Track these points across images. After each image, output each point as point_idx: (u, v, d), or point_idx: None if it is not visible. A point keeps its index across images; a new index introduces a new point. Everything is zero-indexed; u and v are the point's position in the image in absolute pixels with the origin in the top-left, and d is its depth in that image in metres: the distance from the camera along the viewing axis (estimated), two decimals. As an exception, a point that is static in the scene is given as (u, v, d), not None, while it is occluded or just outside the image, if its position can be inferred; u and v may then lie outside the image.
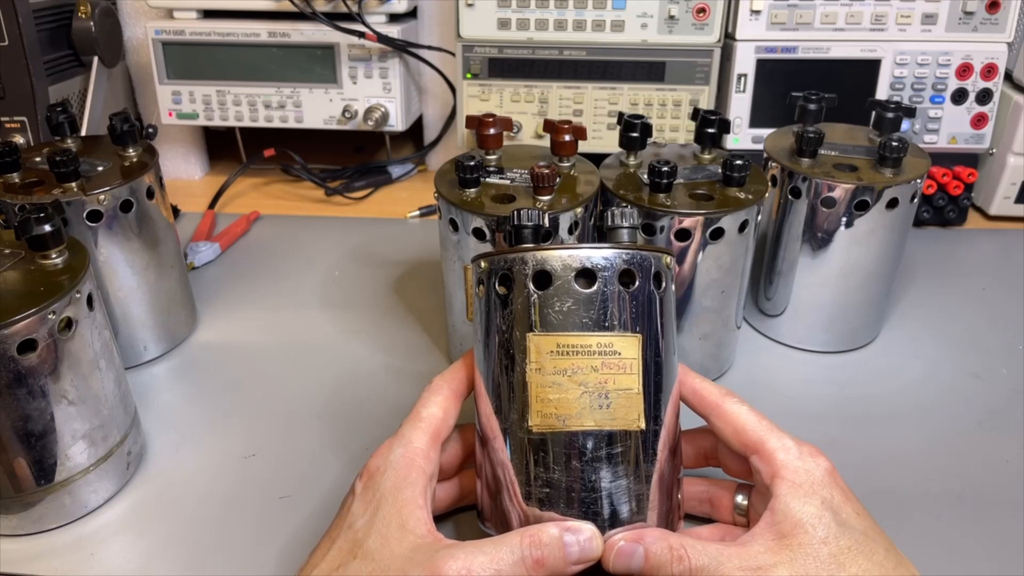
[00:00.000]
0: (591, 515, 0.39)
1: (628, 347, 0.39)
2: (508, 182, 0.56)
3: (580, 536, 0.37)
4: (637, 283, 0.40)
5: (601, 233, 0.43)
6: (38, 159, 0.60)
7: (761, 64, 0.78)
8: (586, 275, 0.39)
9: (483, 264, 0.42)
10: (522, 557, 0.36)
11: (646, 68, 0.79)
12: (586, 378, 0.39)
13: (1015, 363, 0.63)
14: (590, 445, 0.39)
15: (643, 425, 0.39)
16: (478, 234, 0.53)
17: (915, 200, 0.59)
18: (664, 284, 0.41)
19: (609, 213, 0.43)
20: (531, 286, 0.40)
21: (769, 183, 0.58)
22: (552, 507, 0.39)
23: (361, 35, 0.81)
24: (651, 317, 0.40)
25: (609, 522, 0.39)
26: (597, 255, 0.39)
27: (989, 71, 0.78)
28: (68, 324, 0.45)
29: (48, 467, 0.46)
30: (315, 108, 0.87)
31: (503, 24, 0.79)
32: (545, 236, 0.44)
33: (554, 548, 0.37)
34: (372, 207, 0.92)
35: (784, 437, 0.41)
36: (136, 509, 0.50)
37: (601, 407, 0.39)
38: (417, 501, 0.39)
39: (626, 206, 0.44)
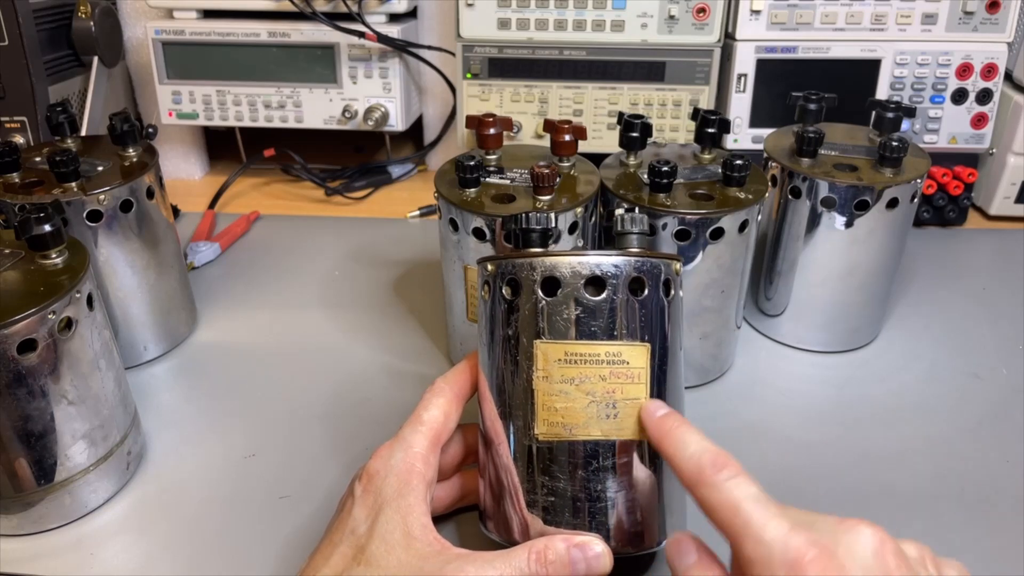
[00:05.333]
0: (596, 524, 0.38)
1: (636, 356, 0.39)
2: (508, 182, 0.55)
3: (588, 552, 0.37)
4: (647, 291, 0.39)
5: (608, 232, 0.43)
6: (38, 159, 0.60)
7: (761, 64, 0.78)
8: (595, 283, 0.39)
9: (489, 267, 0.41)
10: (529, 575, 0.36)
11: (646, 68, 0.79)
12: (594, 387, 0.38)
13: (1015, 363, 0.63)
14: (596, 455, 0.38)
15: None
16: (478, 234, 0.53)
17: (915, 200, 0.59)
18: (673, 291, 0.41)
19: (619, 217, 0.42)
20: (539, 292, 0.39)
21: (769, 183, 0.58)
22: (557, 515, 0.39)
23: (361, 35, 0.81)
24: (660, 325, 0.40)
25: (614, 532, 0.38)
26: (607, 262, 0.39)
27: (989, 71, 0.78)
28: (68, 324, 0.45)
29: (48, 467, 0.46)
30: (315, 108, 0.87)
31: (503, 24, 0.79)
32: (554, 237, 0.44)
33: (559, 566, 0.36)
34: (372, 207, 0.92)
35: (768, 528, 0.31)
36: (136, 509, 0.50)
37: (608, 417, 0.38)
38: (420, 507, 0.38)
39: (635, 210, 0.43)
